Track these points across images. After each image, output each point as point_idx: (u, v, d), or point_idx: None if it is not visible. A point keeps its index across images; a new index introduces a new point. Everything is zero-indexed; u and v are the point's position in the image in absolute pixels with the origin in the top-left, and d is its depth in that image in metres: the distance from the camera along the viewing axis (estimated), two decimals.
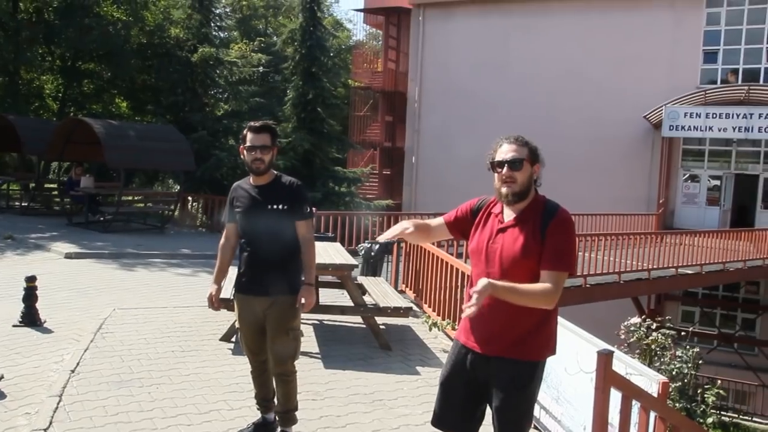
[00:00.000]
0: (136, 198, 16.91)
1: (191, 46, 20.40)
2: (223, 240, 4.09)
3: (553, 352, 2.93)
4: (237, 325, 4.15)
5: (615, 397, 3.26)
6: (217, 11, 23.26)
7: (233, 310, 4.23)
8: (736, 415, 16.74)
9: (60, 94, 22.47)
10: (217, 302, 4.07)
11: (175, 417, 4.42)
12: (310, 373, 5.50)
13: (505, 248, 2.86)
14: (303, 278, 3.95)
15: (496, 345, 2.85)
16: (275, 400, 4.10)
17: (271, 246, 3.87)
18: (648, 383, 3.40)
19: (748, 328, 20.23)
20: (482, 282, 2.64)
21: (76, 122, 15.18)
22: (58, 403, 4.52)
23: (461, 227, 3.10)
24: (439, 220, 3.20)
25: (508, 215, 2.92)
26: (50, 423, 4.20)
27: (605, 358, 2.74)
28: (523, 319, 2.81)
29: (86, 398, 4.66)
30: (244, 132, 3.89)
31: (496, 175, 2.93)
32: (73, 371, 5.18)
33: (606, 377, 2.75)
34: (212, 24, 22.29)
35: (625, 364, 3.64)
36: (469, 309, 2.61)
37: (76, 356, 5.56)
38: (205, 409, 4.58)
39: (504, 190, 2.90)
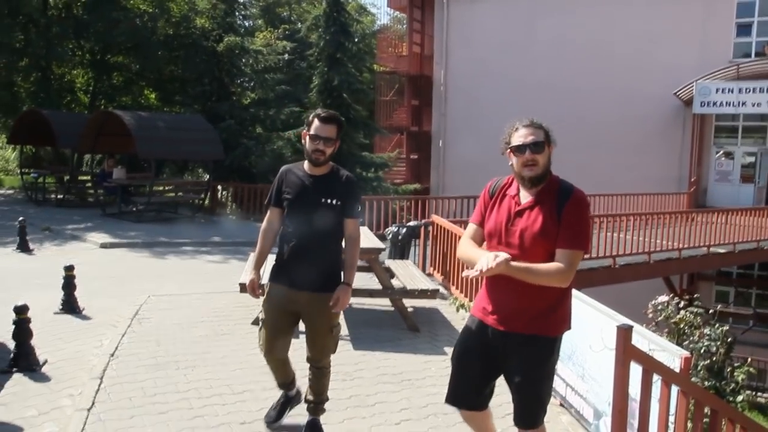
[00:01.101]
0: (166, 188, 17.17)
1: (217, 36, 20.58)
2: (265, 224, 3.87)
3: (569, 327, 3.01)
4: (262, 316, 3.87)
5: (638, 373, 3.30)
6: (242, 0, 23.42)
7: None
8: None
9: (90, 88, 22.87)
10: (257, 289, 3.84)
11: (209, 398, 4.58)
12: (340, 355, 5.53)
13: (525, 230, 2.91)
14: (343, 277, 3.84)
15: (518, 321, 2.92)
16: (305, 389, 4.03)
17: (319, 240, 3.72)
18: (671, 358, 3.43)
19: None
20: (501, 256, 2.70)
21: (107, 115, 15.51)
22: (99, 385, 4.72)
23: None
24: (474, 228, 3.17)
25: (525, 197, 2.97)
26: (93, 403, 4.40)
27: (624, 332, 2.79)
28: (543, 295, 2.88)
29: (125, 380, 4.85)
30: (310, 117, 3.71)
31: (515, 158, 2.97)
32: (112, 355, 5.39)
33: (626, 351, 2.80)
34: (237, 13, 22.46)
35: (647, 340, 3.68)
36: (470, 271, 2.69)
37: (115, 341, 5.77)
38: (239, 390, 4.74)
39: (527, 173, 2.94)
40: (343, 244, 3.83)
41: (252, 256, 3.88)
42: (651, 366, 2.96)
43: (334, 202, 3.67)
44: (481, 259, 2.73)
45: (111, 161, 15.93)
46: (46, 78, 20.70)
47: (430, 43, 25.91)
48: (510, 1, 22.64)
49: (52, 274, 8.28)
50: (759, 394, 14.47)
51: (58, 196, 17.19)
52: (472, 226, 3.18)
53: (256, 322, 4.23)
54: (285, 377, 4.09)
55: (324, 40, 19.47)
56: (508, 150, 3.00)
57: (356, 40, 22.75)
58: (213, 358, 5.43)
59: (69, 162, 19.00)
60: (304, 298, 3.70)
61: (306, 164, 3.77)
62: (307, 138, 3.67)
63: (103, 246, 11.29)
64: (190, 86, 21.40)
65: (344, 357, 5.60)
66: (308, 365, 3.89)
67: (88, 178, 18.11)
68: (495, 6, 22.89)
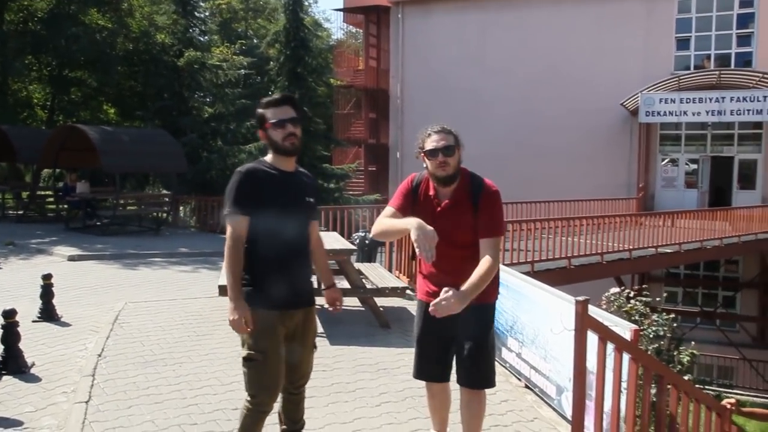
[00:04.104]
0: (129, 201, 17.23)
1: (177, 51, 20.74)
2: (235, 238, 3.12)
3: (498, 293, 3.52)
4: (256, 353, 3.16)
5: (594, 349, 3.74)
6: (200, 15, 23.60)
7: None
8: (721, 389, 17.36)
9: (48, 103, 22.71)
10: (251, 322, 3.13)
11: (200, 389, 4.87)
12: (318, 350, 5.91)
13: (447, 227, 3.22)
14: (323, 282, 3.59)
15: None
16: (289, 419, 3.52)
17: (306, 245, 3.35)
18: (622, 332, 3.90)
19: (729, 306, 20.93)
20: (453, 298, 2.99)
21: (70, 129, 15.51)
22: (92, 382, 4.96)
23: (408, 209, 3.38)
24: (393, 212, 3.38)
25: (443, 195, 3.36)
26: (89, 397, 4.64)
27: (582, 304, 3.23)
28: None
29: (117, 377, 5.10)
30: (260, 111, 3.24)
31: (429, 161, 3.33)
32: (99, 355, 5.62)
33: (583, 320, 3.23)
34: (196, 28, 22.65)
35: (602, 318, 4.13)
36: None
37: (100, 343, 5.99)
38: (227, 381, 5.03)
39: (440, 173, 3.31)
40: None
41: (229, 281, 3.13)
42: (605, 334, 3.40)
43: (313, 200, 3.34)
44: (444, 300, 3.02)
45: (74, 175, 15.93)
46: (3, 93, 20.55)
47: (386, 58, 26.49)
48: (463, 17, 23.36)
49: (23, 286, 8.42)
50: (707, 388, 15.14)
51: (18, 212, 17.05)
52: (390, 209, 3.40)
53: (249, 359, 3.17)
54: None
55: (284, 55, 19.86)
56: (422, 154, 3.36)
57: (315, 54, 23.15)
58: (198, 356, 5.70)
59: (25, 177, 18.86)
60: (299, 316, 3.27)
61: (273, 161, 3.25)
62: (270, 130, 3.20)
63: (72, 258, 11.35)
64: (150, 101, 21.48)
65: (322, 352, 5.88)
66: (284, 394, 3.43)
67: (48, 193, 18.01)
68: (448, 21, 23.59)
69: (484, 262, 3.19)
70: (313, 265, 3.48)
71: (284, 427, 3.50)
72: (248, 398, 3.26)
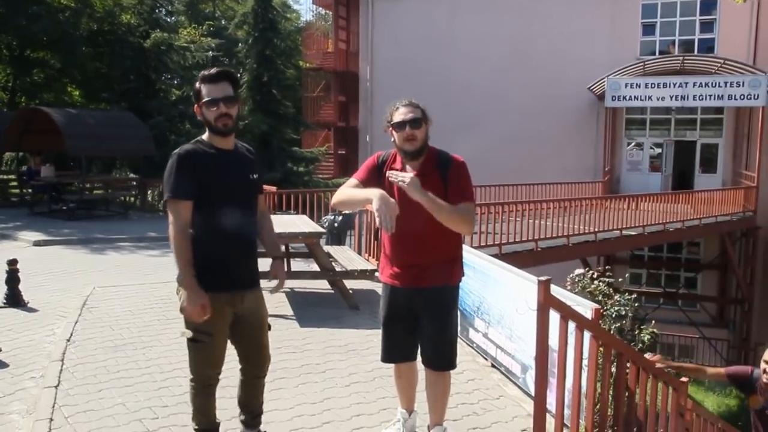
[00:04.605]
0: (96, 185, 17.00)
1: (143, 32, 20.41)
2: (181, 223, 3.01)
3: (463, 274, 3.57)
4: (202, 334, 3.12)
5: (556, 328, 3.86)
6: None
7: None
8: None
9: (10, 84, 22.18)
10: (209, 309, 3.05)
11: (171, 371, 4.90)
12: (287, 332, 6.04)
13: (416, 201, 3.14)
14: (268, 253, 3.47)
15: (428, 278, 3.39)
16: (247, 408, 3.48)
17: (252, 225, 3.27)
18: (584, 311, 4.02)
19: (691, 286, 21.48)
20: (412, 181, 3.07)
21: (33, 111, 15.24)
22: (61, 367, 4.95)
23: (372, 184, 3.37)
24: (356, 183, 3.43)
25: (410, 170, 3.35)
26: (59, 381, 4.64)
27: (544, 284, 3.33)
28: (440, 252, 3.39)
29: (86, 361, 5.10)
30: (197, 85, 3.12)
31: (397, 135, 3.34)
32: (68, 340, 5.60)
33: (545, 299, 3.34)
34: (162, 9, 22.31)
35: (564, 298, 4.26)
36: (397, 174, 3.12)
37: (68, 328, 5.97)
38: None
39: (408, 147, 3.32)
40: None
41: (181, 269, 3.02)
42: (567, 313, 3.51)
43: (256, 176, 3.26)
44: (402, 175, 3.11)
45: (38, 159, 15.65)
46: None
47: (356, 40, 26.32)
48: (432, 0, 23.35)
49: None
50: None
51: None
52: (353, 181, 3.43)
53: (194, 340, 3.14)
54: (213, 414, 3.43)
55: (253, 37, 19.71)
56: (390, 128, 3.38)
57: (284, 37, 23.00)
58: (168, 339, 5.72)
59: None
60: (248, 297, 3.22)
61: (210, 140, 3.15)
62: (203, 109, 3.10)
63: (37, 243, 11.22)
64: (116, 83, 21.13)
65: (291, 333, 6.03)
66: (242, 380, 3.43)
67: (12, 177, 17.67)
68: (418, 4, 23.54)
69: (459, 206, 3.22)
70: (260, 239, 3.42)
71: (242, 417, 3.48)
72: (192, 377, 3.29)
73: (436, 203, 3.13)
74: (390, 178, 3.14)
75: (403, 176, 3.11)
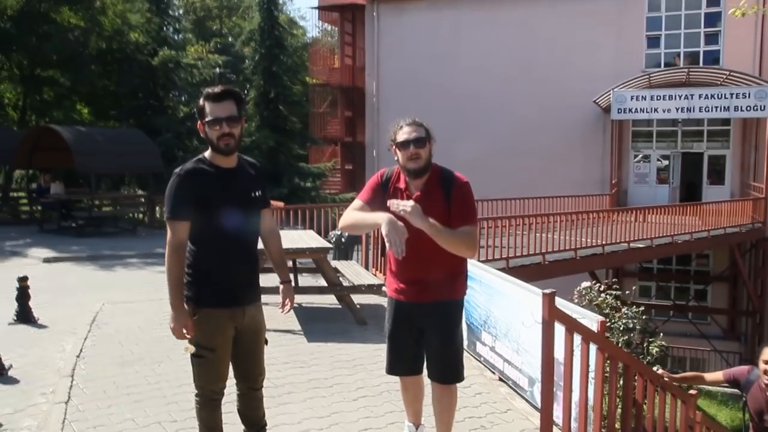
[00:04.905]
0: (105, 202, 17.12)
1: (151, 50, 20.63)
2: (174, 244, 3.05)
3: (467, 288, 3.60)
4: (204, 350, 3.17)
5: (562, 341, 3.87)
6: (174, 14, 23.50)
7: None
8: None
9: (20, 103, 22.42)
10: (191, 330, 3.13)
11: (180, 386, 4.93)
12: (296, 347, 6.07)
13: None
14: (278, 275, 3.49)
15: (432, 292, 3.42)
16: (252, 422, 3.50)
17: (253, 242, 3.30)
18: (590, 324, 4.03)
19: (701, 299, 21.35)
20: (413, 208, 3.08)
21: (43, 130, 15.40)
22: (71, 382, 5.00)
23: (377, 203, 3.37)
24: (361, 205, 3.42)
25: (414, 188, 3.39)
26: (69, 397, 4.69)
27: (549, 296, 3.35)
28: (444, 267, 3.40)
29: (96, 377, 5.14)
30: (200, 103, 3.11)
31: (400, 153, 3.37)
32: (78, 356, 5.65)
33: (550, 312, 3.36)
34: (170, 26, 22.55)
35: (570, 311, 4.27)
36: (398, 202, 3.13)
37: (78, 345, 6.02)
38: None
39: (412, 166, 3.34)
40: (263, 239, 3.42)
41: (169, 288, 3.06)
42: (572, 326, 3.53)
43: (259, 194, 3.26)
44: (404, 204, 3.11)
45: (47, 176, 15.79)
46: None
47: (362, 55, 26.49)
48: (436, 14, 23.48)
49: None
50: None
51: None
52: (359, 202, 3.44)
53: (197, 355, 3.19)
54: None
55: (259, 54, 19.88)
56: (394, 146, 3.41)
57: (290, 53, 23.19)
58: (177, 355, 5.73)
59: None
60: (248, 313, 3.26)
61: (212, 158, 3.16)
62: (206, 127, 3.10)
63: (47, 260, 11.30)
64: (124, 100, 21.33)
65: (300, 348, 6.05)
66: (239, 394, 3.44)
67: (23, 194, 17.83)
68: (423, 18, 23.69)
69: (460, 229, 3.24)
70: (267, 257, 3.48)
71: (245, 428, 3.51)
72: (197, 392, 3.34)
73: (437, 229, 3.16)
74: (391, 208, 3.15)
75: (405, 204, 3.12)
